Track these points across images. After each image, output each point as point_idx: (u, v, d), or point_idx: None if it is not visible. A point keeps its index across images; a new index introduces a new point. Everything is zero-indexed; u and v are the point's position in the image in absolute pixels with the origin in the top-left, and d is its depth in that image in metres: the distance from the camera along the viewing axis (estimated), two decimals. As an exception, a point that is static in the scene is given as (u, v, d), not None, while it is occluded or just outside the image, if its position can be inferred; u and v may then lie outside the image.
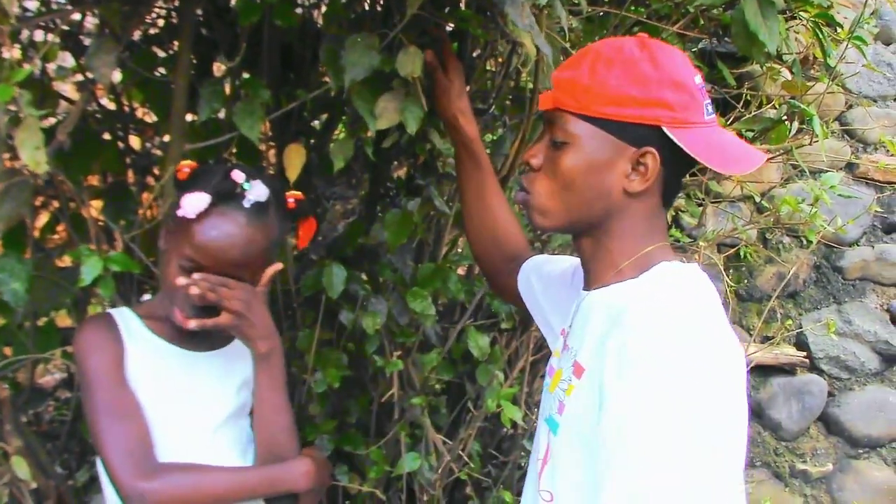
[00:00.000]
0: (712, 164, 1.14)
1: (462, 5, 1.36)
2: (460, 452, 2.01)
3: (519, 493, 2.34)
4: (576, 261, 1.51)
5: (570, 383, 1.16)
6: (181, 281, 1.35)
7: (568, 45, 1.89)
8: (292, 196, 1.45)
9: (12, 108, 1.35)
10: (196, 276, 1.35)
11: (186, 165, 1.41)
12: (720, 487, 0.95)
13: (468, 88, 1.84)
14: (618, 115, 1.14)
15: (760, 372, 3.94)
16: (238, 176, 1.36)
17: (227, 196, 1.35)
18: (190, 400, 1.44)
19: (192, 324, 1.37)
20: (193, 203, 1.33)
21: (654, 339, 1.01)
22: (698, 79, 1.18)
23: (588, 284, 1.26)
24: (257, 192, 1.36)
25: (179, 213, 1.32)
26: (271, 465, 1.43)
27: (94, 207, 1.74)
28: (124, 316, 1.45)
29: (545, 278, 1.52)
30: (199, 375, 1.47)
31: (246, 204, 1.35)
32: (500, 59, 2.01)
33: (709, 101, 1.18)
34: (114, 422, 1.34)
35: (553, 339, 1.53)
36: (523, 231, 1.69)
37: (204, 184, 1.35)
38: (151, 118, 2.02)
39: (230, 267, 1.37)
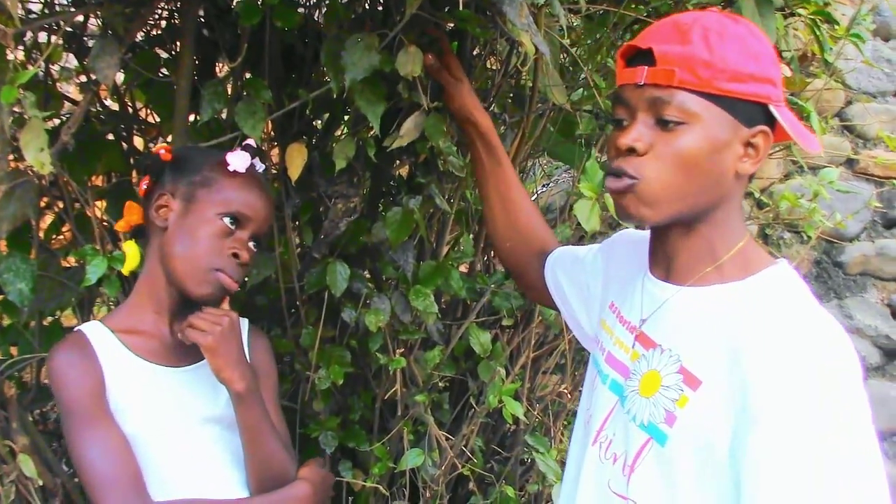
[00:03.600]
0: (805, 144, 1.14)
1: (461, 5, 1.37)
2: (463, 448, 2.02)
3: (521, 489, 2.36)
4: (594, 248, 1.49)
5: (683, 394, 1.11)
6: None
7: (567, 42, 1.91)
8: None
9: (17, 109, 1.37)
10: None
11: (164, 147, 1.45)
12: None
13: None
14: (738, 93, 1.09)
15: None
16: (252, 142, 1.48)
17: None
18: (181, 421, 1.40)
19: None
20: (240, 159, 1.40)
21: (810, 365, 1.01)
22: None
23: (670, 275, 1.20)
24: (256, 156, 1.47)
25: (230, 167, 1.39)
26: (271, 493, 1.41)
27: (99, 207, 1.75)
28: (97, 333, 1.38)
29: (569, 271, 1.50)
30: (186, 392, 1.41)
31: (258, 167, 1.46)
32: (499, 59, 2.03)
33: None
34: (101, 460, 1.29)
35: (582, 333, 1.52)
36: (547, 224, 1.66)
37: (218, 152, 1.44)
38: (155, 118, 2.03)
39: (266, 220, 1.44)
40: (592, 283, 1.44)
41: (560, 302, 1.54)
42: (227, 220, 1.38)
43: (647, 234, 1.27)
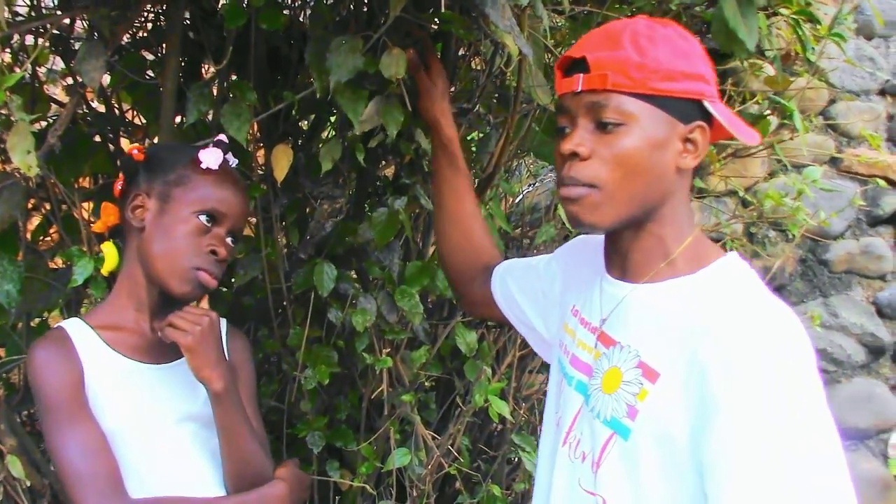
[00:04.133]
0: (741, 136, 1.19)
1: (442, 7, 1.38)
2: (449, 447, 2.03)
3: (508, 488, 2.37)
4: (546, 257, 1.52)
5: (643, 387, 1.13)
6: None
7: (552, 43, 1.92)
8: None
9: (3, 112, 1.37)
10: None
11: (136, 147, 1.45)
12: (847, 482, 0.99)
13: (453, 88, 1.86)
14: (671, 91, 1.14)
15: (748, 365, 3.96)
16: (224, 138, 1.48)
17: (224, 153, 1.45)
18: (159, 418, 1.40)
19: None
20: (213, 156, 1.41)
21: (765, 350, 1.03)
22: None
23: (626, 274, 1.23)
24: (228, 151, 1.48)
25: (203, 165, 1.40)
26: (248, 492, 1.42)
27: (86, 209, 1.76)
28: (78, 330, 1.39)
29: (521, 279, 1.52)
30: (165, 390, 1.42)
31: (231, 163, 1.47)
32: (484, 59, 2.04)
33: None
34: (79, 456, 1.30)
35: (535, 338, 1.55)
36: (493, 240, 1.69)
37: (191, 150, 1.44)
38: (141, 120, 2.04)
39: (242, 216, 1.45)
40: (549, 289, 1.47)
41: (510, 310, 1.56)
42: (203, 218, 1.39)
43: (601, 237, 1.30)
